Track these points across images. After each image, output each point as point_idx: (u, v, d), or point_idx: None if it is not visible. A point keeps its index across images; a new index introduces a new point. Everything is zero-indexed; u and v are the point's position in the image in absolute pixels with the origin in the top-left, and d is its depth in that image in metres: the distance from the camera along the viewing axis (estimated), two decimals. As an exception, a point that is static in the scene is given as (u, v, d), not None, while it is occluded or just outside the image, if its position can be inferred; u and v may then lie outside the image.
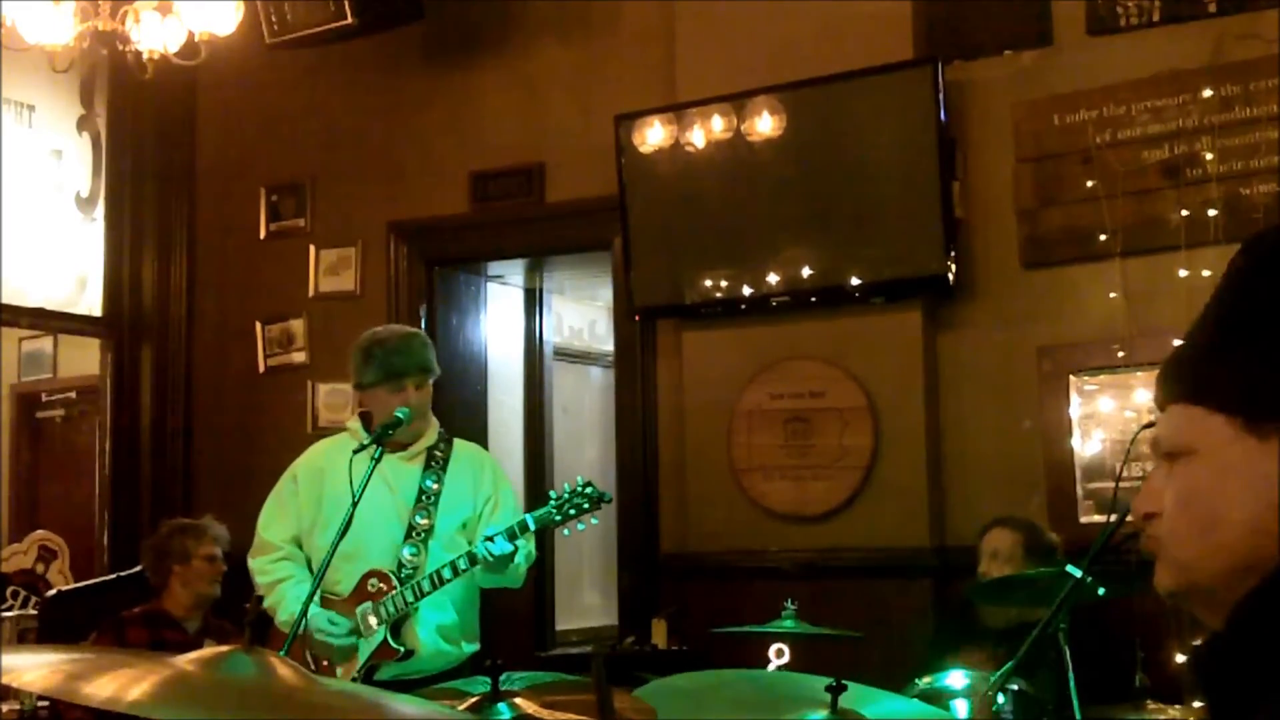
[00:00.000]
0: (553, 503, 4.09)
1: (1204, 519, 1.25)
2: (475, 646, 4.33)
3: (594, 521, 4.14)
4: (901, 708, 3.02)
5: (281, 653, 1.60)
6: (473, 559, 4.06)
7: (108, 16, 5.34)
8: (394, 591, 4.17)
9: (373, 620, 4.18)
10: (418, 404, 4.26)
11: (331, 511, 3.72)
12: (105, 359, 7.13)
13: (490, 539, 4.02)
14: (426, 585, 4.12)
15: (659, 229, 5.90)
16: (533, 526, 4.05)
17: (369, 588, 4.21)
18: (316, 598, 4.24)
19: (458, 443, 4.48)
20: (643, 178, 5.87)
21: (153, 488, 7.02)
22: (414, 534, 4.25)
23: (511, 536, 4.05)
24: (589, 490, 4.08)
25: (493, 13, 6.53)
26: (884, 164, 5.47)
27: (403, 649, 4.19)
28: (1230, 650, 1.21)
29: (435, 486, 4.31)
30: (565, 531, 4.16)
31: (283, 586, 4.27)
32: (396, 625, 4.20)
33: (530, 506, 4.33)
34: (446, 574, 4.10)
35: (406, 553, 4.23)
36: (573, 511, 4.07)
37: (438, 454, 4.37)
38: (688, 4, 5.94)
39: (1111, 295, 5.09)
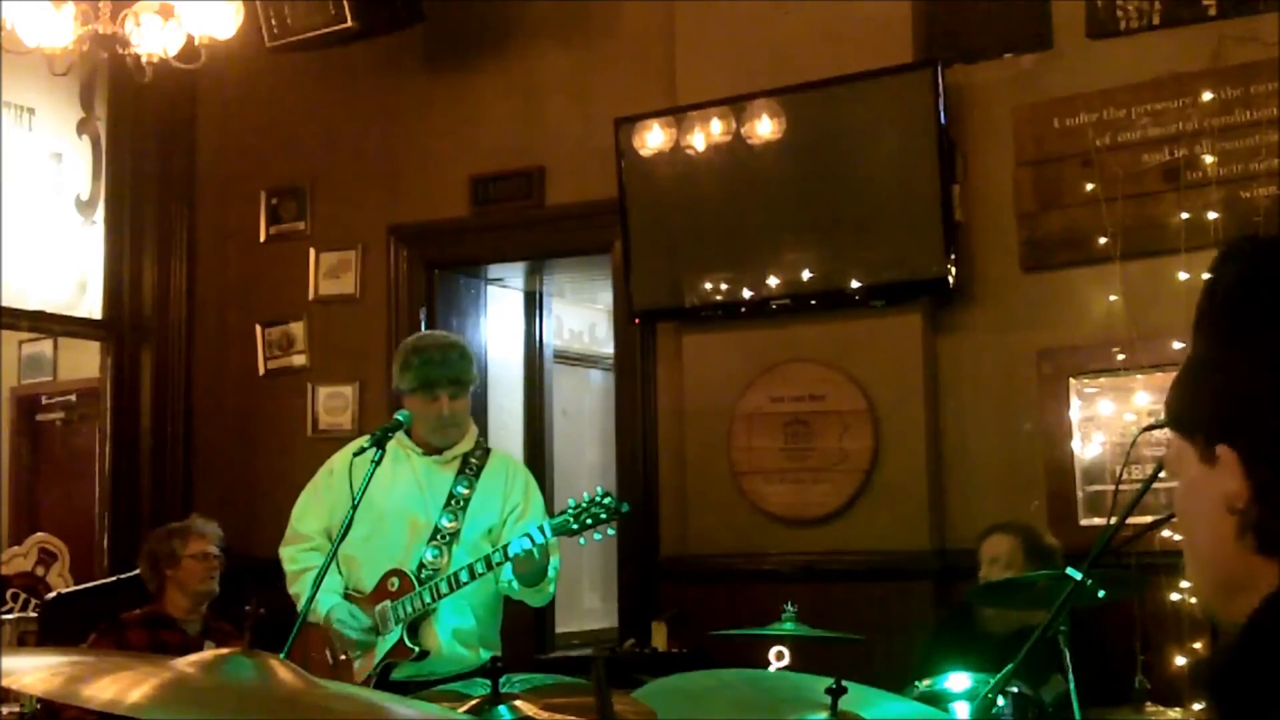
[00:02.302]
0: (570, 511, 4.07)
1: (1187, 542, 1.33)
2: (493, 654, 4.34)
3: (610, 532, 4.13)
4: (901, 710, 3.02)
5: (283, 654, 1.60)
6: (489, 563, 4.08)
7: (108, 20, 5.34)
8: (413, 592, 4.19)
9: (390, 619, 4.21)
10: (451, 414, 4.31)
11: (361, 507, 3.73)
12: (105, 362, 7.13)
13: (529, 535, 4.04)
14: (444, 587, 4.14)
15: (659, 232, 5.90)
16: (548, 533, 4.05)
17: (389, 587, 4.25)
18: (341, 592, 4.27)
19: (495, 452, 4.52)
20: (643, 181, 5.87)
21: (153, 490, 7.02)
22: (439, 536, 4.28)
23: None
24: (607, 500, 4.07)
25: (493, 16, 6.54)
26: (884, 167, 5.47)
27: (418, 649, 4.21)
28: (1241, 666, 1.23)
29: (466, 492, 4.34)
30: (581, 540, 4.16)
31: (307, 576, 4.28)
32: (414, 625, 4.22)
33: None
34: (464, 577, 4.12)
35: (429, 554, 4.26)
36: (590, 521, 4.06)
37: (473, 461, 4.40)
38: (687, 7, 5.94)
39: (1111, 298, 5.08)
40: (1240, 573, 1.25)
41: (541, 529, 4.04)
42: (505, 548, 4.05)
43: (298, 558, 4.40)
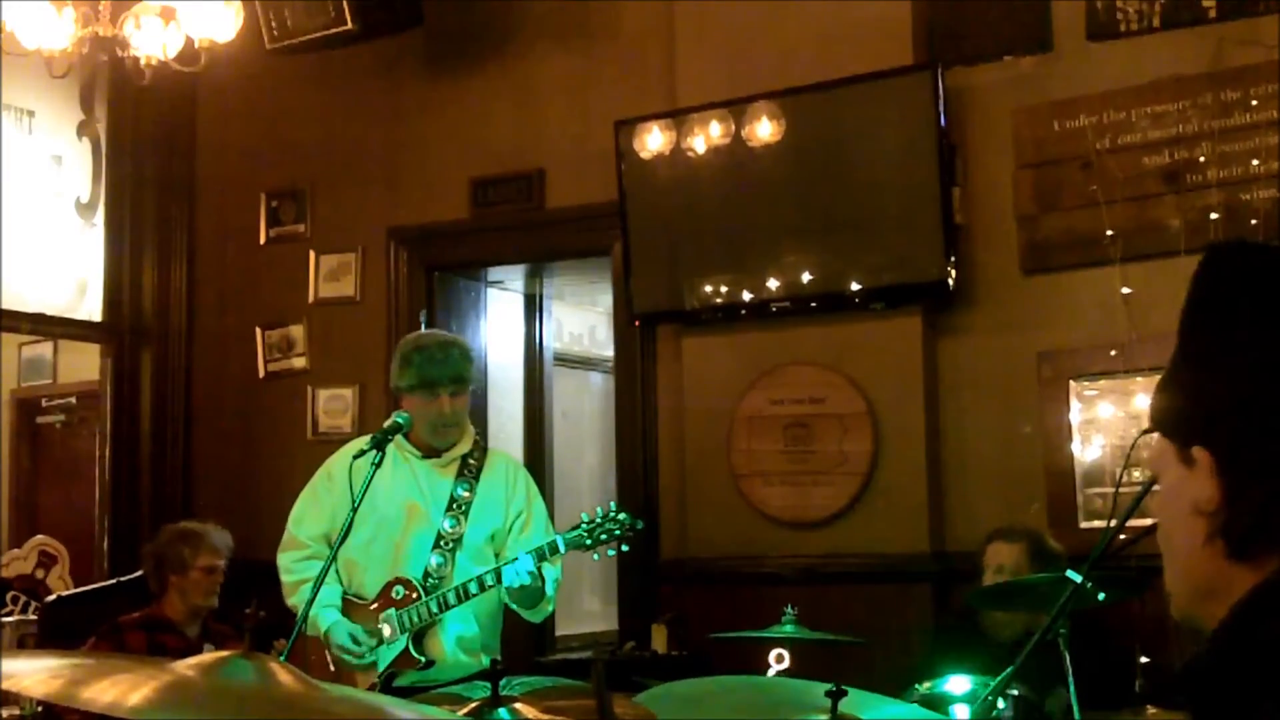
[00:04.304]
0: (584, 527, 4.05)
1: (1165, 547, 1.33)
2: (495, 658, 4.30)
3: (625, 549, 4.12)
4: (901, 713, 3.02)
5: (283, 657, 1.60)
6: (499, 576, 4.05)
7: (108, 22, 5.33)
8: (418, 601, 4.16)
9: (396, 628, 4.17)
10: (452, 413, 4.26)
11: (362, 511, 3.71)
12: (105, 364, 7.13)
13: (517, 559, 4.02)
14: (452, 598, 4.10)
15: (659, 235, 5.90)
16: (563, 550, 4.03)
17: (393, 594, 4.20)
18: (340, 605, 4.24)
19: (492, 451, 4.48)
20: (643, 183, 5.87)
21: (152, 493, 7.02)
22: (442, 542, 4.24)
23: (540, 557, 4.03)
24: (621, 517, 4.05)
25: (492, 18, 6.54)
26: (884, 170, 5.47)
27: (424, 659, 4.17)
28: (1212, 672, 1.24)
29: (467, 495, 4.29)
30: (595, 556, 4.14)
31: (306, 588, 4.14)
32: (419, 634, 4.18)
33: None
34: (473, 589, 4.08)
35: (433, 561, 4.22)
36: (604, 537, 4.04)
37: (471, 462, 4.35)
38: (687, 9, 5.94)
39: (1111, 301, 5.08)
40: (1213, 578, 1.26)
41: (555, 545, 4.02)
42: (503, 571, 4.03)
43: (294, 568, 4.33)
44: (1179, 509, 1.28)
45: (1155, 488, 1.36)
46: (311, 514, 4.39)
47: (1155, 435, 1.34)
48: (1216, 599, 1.25)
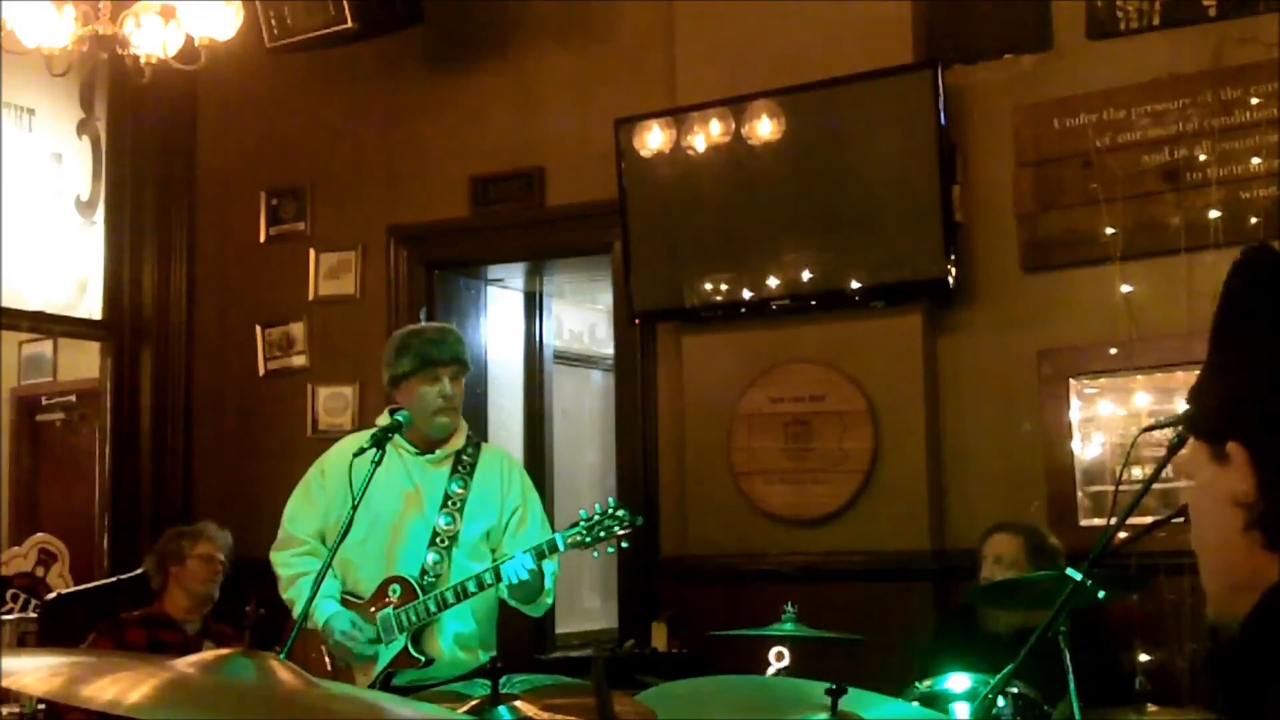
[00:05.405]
0: (582, 524, 4.03)
1: (1199, 543, 1.36)
2: (492, 654, 4.30)
3: (624, 545, 4.10)
4: (901, 711, 3.03)
5: (283, 654, 1.60)
6: (498, 574, 4.03)
7: (108, 20, 5.33)
8: (416, 600, 4.13)
9: (394, 628, 4.14)
10: (454, 395, 4.23)
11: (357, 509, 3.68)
12: (105, 362, 7.13)
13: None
14: (450, 597, 4.08)
15: (659, 233, 5.90)
16: (562, 548, 4.02)
17: (390, 593, 4.18)
18: (337, 597, 4.23)
19: (486, 447, 4.44)
20: (643, 181, 5.87)
21: (152, 491, 7.02)
22: (438, 540, 4.22)
23: (540, 556, 4.01)
24: (620, 513, 4.03)
25: (493, 16, 6.54)
26: (884, 168, 5.47)
27: (423, 658, 4.15)
28: (1244, 655, 1.26)
29: (461, 491, 4.26)
30: (595, 554, 4.13)
31: (303, 581, 4.19)
32: (416, 633, 4.16)
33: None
34: (472, 587, 4.06)
35: (429, 558, 4.19)
36: (603, 534, 4.02)
37: (465, 458, 4.32)
38: (687, 8, 5.94)
39: (1111, 298, 5.09)
40: (1248, 570, 1.28)
41: (555, 543, 4.01)
42: (503, 569, 4.02)
43: (291, 562, 4.31)
44: (1214, 504, 1.30)
45: (1159, 483, 1.38)
46: (306, 512, 4.36)
47: (1189, 440, 1.37)
48: (1252, 592, 1.26)
